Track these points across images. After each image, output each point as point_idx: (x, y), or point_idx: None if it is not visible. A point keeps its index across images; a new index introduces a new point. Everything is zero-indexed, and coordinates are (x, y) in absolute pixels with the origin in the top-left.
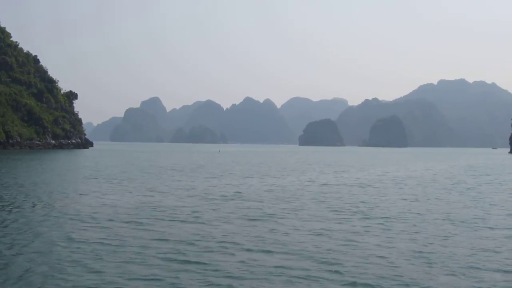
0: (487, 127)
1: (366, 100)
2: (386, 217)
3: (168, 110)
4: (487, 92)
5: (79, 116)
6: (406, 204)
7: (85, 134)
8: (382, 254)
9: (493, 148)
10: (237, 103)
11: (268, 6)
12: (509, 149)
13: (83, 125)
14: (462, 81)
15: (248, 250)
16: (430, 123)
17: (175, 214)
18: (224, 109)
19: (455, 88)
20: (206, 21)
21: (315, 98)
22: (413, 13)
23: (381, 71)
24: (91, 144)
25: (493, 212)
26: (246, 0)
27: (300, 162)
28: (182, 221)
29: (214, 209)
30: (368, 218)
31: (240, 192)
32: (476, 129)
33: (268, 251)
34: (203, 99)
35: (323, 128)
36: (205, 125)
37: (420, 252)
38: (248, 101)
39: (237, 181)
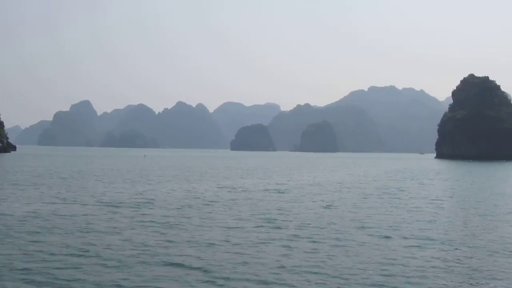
0: (415, 133)
1: (298, 106)
2: (294, 226)
3: (99, 113)
4: (415, 99)
5: (1, 119)
6: (319, 211)
7: (7, 138)
8: (278, 265)
9: (420, 154)
10: (169, 107)
11: (205, 12)
12: (435, 154)
13: (6, 129)
14: (392, 88)
15: (119, 261)
16: (361, 129)
17: (65, 224)
18: (156, 113)
19: (385, 95)
20: (141, 23)
21: (248, 103)
22: (345, 20)
23: (314, 77)
24: (13, 148)
25: (408, 219)
26: (184, 5)
27: (226, 167)
28: (65, 233)
29: (109, 218)
30: (275, 226)
31: (150, 199)
32: (405, 135)
33: (143, 262)
34: (135, 102)
35: (255, 133)
36: (136, 129)
37: (316, 266)
38: (180, 105)
39: (152, 186)
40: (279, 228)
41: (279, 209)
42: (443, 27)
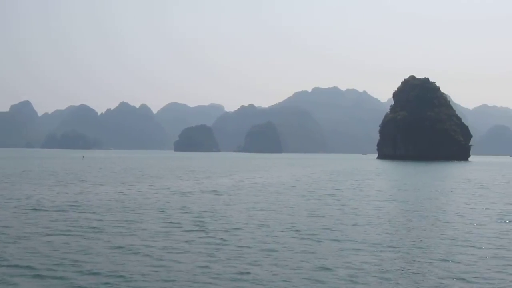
0: (358, 134)
1: (242, 107)
2: (224, 230)
3: (40, 114)
4: (359, 100)
5: None
6: (253, 213)
7: None
8: (197, 273)
9: (363, 154)
10: (112, 108)
11: (150, 11)
12: (377, 155)
13: None
14: (335, 89)
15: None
16: (304, 130)
17: None
18: (99, 113)
19: (329, 96)
20: (84, 21)
21: (192, 103)
22: (289, 22)
23: (258, 78)
24: None
25: (343, 221)
26: (129, 4)
27: (166, 168)
28: None
29: (28, 223)
30: (203, 230)
31: (77, 202)
32: (348, 135)
33: (51, 270)
34: (77, 103)
35: (199, 133)
36: (78, 130)
37: (239, 273)
38: (123, 106)
39: (83, 189)
40: (207, 232)
41: (212, 212)
42: (385, 29)
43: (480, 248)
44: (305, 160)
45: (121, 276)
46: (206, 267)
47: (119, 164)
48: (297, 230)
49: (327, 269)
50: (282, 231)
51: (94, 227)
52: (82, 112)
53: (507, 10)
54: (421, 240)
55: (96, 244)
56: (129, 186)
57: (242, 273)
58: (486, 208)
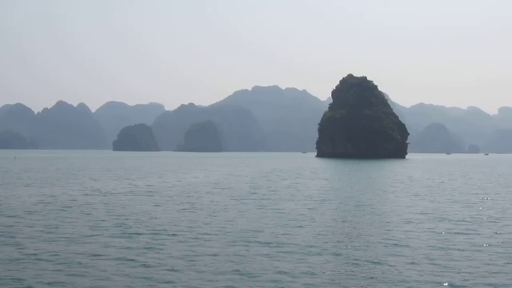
0: (298, 132)
1: (182, 105)
2: (148, 233)
3: None
4: (298, 99)
5: None
6: (182, 215)
7: None
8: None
9: (303, 152)
10: (49, 107)
11: (87, 6)
12: (316, 153)
13: None
14: (275, 88)
15: None
16: (245, 128)
17: None
18: (35, 112)
19: (269, 95)
20: (21, 14)
21: (131, 102)
22: (227, 21)
23: (198, 76)
24: None
25: (274, 222)
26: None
27: (101, 168)
28: None
29: None
30: (125, 234)
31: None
32: (288, 134)
33: None
34: (13, 102)
35: (138, 132)
36: (13, 130)
37: (160, 282)
38: (61, 104)
39: (7, 191)
40: (130, 236)
41: (139, 214)
42: (324, 29)
43: (413, 248)
44: (244, 159)
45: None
46: (124, 273)
47: (52, 164)
48: (226, 233)
49: (253, 274)
50: (209, 234)
51: (4, 232)
52: (18, 111)
53: (444, 15)
54: (354, 242)
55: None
56: (57, 188)
57: (160, 282)
58: (418, 206)
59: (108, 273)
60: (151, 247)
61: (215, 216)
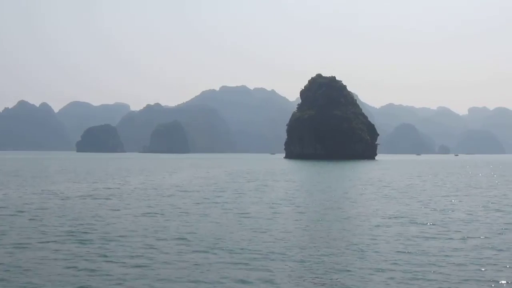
0: (267, 133)
1: (148, 105)
2: (100, 240)
3: None
4: (267, 99)
5: None
6: (139, 219)
7: None
8: None
9: (271, 154)
10: (10, 107)
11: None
12: (284, 154)
13: None
14: (243, 88)
15: None
16: (212, 129)
17: None
18: None
19: (237, 95)
20: None
21: (96, 102)
22: (195, 19)
23: (164, 76)
24: None
25: (237, 228)
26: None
27: (59, 170)
28: None
29: None
30: (77, 238)
31: None
32: (256, 135)
33: None
34: None
35: (103, 133)
36: None
37: None
38: (22, 104)
39: None
40: (81, 242)
41: (93, 218)
42: (293, 30)
43: (381, 253)
44: (211, 161)
45: None
46: (69, 282)
47: (9, 166)
48: (184, 240)
49: (210, 284)
50: (166, 240)
51: None
52: None
53: (415, 15)
54: (320, 247)
55: None
56: (8, 191)
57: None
58: (387, 209)
59: (54, 281)
60: (103, 255)
61: (175, 221)
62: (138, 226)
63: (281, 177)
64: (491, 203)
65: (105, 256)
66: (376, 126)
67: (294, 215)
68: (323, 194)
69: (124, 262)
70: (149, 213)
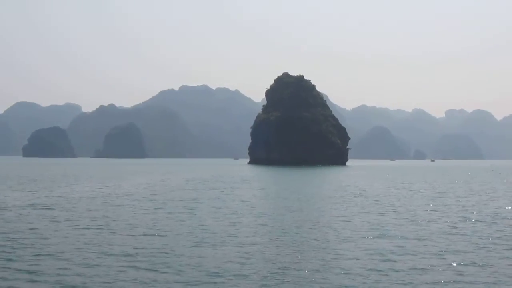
0: (230, 137)
1: (102, 107)
2: (38, 254)
3: None
4: (230, 100)
5: None
6: (83, 232)
7: None
8: None
9: (235, 159)
10: None
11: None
12: (248, 159)
13: None
14: (204, 87)
15: None
16: (171, 132)
17: None
18: None
19: (198, 95)
20: None
21: (44, 103)
22: (157, 19)
23: (119, 75)
24: None
25: (191, 241)
26: None
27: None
28: None
29: None
30: (11, 254)
31: None
32: (219, 139)
33: None
34: None
35: (52, 136)
36: None
37: None
38: None
39: None
40: (8, 260)
41: (30, 231)
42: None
43: (347, 270)
44: (169, 166)
45: None
46: None
47: None
48: (129, 256)
49: None
50: (109, 257)
51: None
52: None
53: (393, 14)
54: (282, 264)
55: None
56: None
57: None
58: (358, 220)
59: None
60: (32, 273)
61: (120, 234)
62: (79, 241)
63: (243, 184)
64: (470, 212)
65: (34, 275)
66: (347, 129)
67: (254, 227)
68: (287, 203)
69: (57, 282)
70: (93, 225)
